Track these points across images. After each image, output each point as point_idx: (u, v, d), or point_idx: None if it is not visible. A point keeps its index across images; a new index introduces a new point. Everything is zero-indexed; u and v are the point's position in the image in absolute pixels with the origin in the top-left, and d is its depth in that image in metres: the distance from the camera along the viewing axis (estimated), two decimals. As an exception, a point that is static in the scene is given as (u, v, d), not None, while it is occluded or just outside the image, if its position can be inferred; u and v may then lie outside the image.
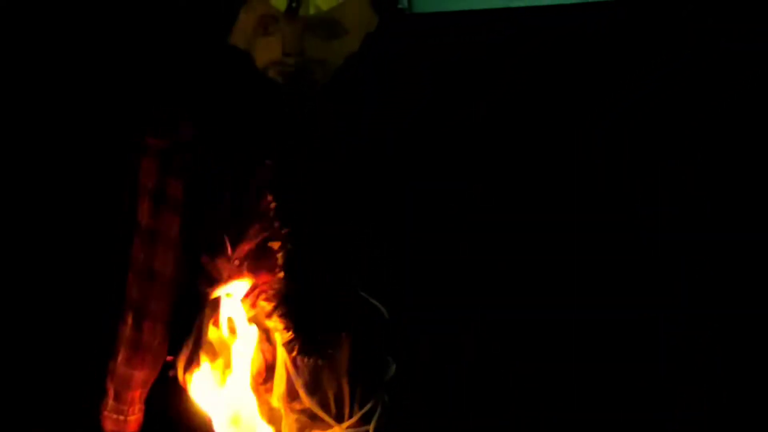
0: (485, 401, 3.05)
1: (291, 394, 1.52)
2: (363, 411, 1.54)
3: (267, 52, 1.48)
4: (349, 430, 1.54)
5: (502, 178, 4.19)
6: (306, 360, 1.49)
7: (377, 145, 1.55)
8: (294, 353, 1.49)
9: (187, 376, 1.64)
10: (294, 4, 1.44)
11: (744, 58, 4.27)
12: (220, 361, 1.56)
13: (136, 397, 1.69)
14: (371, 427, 1.53)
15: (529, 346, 3.25)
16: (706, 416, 2.90)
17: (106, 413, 1.70)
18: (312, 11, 1.46)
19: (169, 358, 1.69)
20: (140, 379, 1.68)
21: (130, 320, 1.66)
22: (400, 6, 1.95)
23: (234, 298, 1.54)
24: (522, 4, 3.17)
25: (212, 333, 1.59)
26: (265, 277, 1.50)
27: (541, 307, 3.59)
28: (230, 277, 1.54)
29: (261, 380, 1.55)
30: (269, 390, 1.55)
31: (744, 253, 3.96)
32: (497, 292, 3.68)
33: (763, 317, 3.34)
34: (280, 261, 1.46)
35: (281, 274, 1.47)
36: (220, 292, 1.54)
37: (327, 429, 1.54)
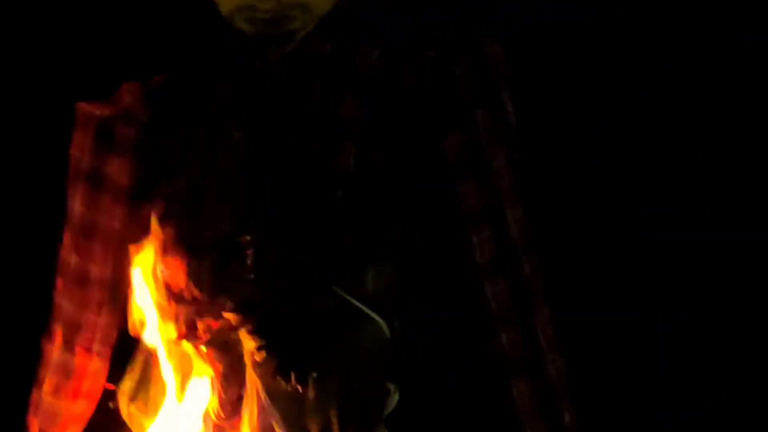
0: (485, 403, 3.06)
1: (255, 427, 1.15)
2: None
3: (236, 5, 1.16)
4: None
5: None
6: (284, 386, 1.13)
7: (377, 144, 1.27)
8: (268, 377, 1.14)
9: (132, 408, 1.26)
10: None
11: (748, 53, 4.29)
12: (173, 389, 1.20)
13: (66, 416, 1.31)
14: None
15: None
16: (706, 416, 2.92)
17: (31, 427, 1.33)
18: None
19: (109, 386, 1.32)
20: (72, 413, 1.31)
21: (59, 339, 1.32)
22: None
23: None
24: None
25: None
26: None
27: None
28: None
29: (223, 416, 1.20)
30: (235, 428, 1.18)
31: (744, 253, 4.03)
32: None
33: (763, 317, 3.39)
34: (249, 261, 1.15)
35: (251, 277, 1.15)
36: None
37: None
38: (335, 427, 1.14)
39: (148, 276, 1.15)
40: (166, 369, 1.18)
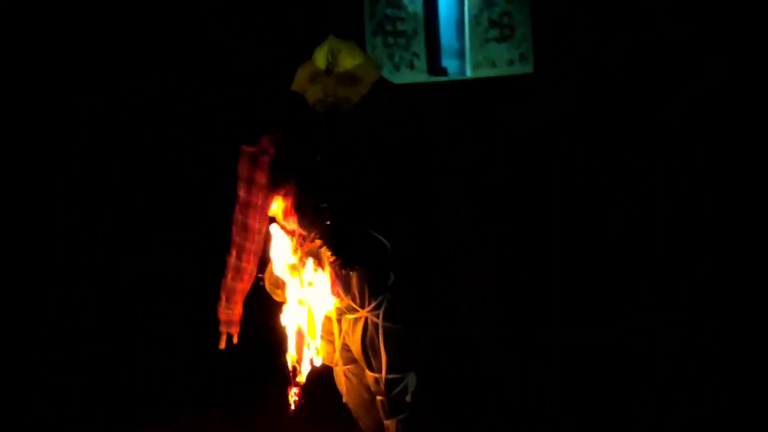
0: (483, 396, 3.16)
1: (332, 291, 2.39)
2: (376, 302, 2.37)
3: (314, 94, 2.37)
4: (369, 313, 2.38)
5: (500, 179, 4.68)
6: (340, 270, 2.34)
7: (384, 152, 2.37)
8: (335, 267, 2.34)
9: (270, 287, 2.51)
10: (330, 66, 2.35)
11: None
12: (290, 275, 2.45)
13: (239, 299, 2.54)
14: (381, 311, 2.37)
15: (530, 349, 3.41)
16: (706, 416, 2.91)
17: (220, 310, 2.55)
18: (340, 69, 2.36)
19: (260, 275, 2.53)
20: (241, 288, 2.52)
21: (234, 254, 2.50)
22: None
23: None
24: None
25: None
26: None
27: (546, 320, 3.73)
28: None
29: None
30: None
31: (744, 253, 4.08)
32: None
33: (763, 317, 3.39)
34: (326, 217, 2.32)
35: (327, 223, 2.32)
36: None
37: (355, 313, 2.41)
38: (365, 290, 2.36)
39: (279, 223, 2.45)
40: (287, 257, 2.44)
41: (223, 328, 2.57)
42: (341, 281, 2.40)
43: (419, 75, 7.51)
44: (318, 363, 2.40)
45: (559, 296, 3.73)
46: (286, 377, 2.36)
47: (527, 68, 7.70)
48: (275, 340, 2.50)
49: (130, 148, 5.54)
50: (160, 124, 5.57)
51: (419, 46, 7.33)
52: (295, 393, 2.34)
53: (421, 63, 7.20)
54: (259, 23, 5.98)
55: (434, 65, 7.51)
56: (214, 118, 5.18)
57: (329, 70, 2.35)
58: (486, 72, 7.47)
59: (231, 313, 2.56)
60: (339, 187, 2.36)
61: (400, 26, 7.28)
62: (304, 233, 2.40)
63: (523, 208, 4.32)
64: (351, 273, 2.37)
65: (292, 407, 2.33)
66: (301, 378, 2.36)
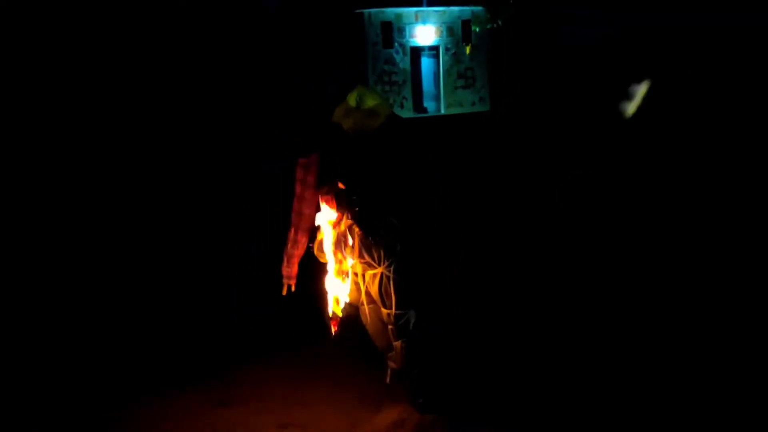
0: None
1: (359, 254, 2.71)
2: (389, 261, 2.69)
3: (348, 124, 2.71)
4: (384, 269, 2.70)
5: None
6: (364, 238, 2.68)
7: (394, 160, 2.71)
8: (359, 235, 2.68)
9: (317, 252, 2.82)
10: (358, 104, 2.69)
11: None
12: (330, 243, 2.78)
13: (296, 261, 2.88)
14: (392, 268, 2.68)
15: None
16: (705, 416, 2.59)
17: (283, 267, 2.89)
18: (365, 106, 2.71)
19: (310, 245, 2.82)
20: (297, 253, 2.87)
21: (293, 231, 2.85)
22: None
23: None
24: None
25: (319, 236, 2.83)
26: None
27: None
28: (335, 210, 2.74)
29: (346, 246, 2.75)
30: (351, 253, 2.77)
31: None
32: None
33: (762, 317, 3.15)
34: (355, 202, 2.66)
35: (356, 208, 2.67)
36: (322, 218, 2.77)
37: (375, 269, 2.72)
38: (381, 251, 2.67)
39: (326, 208, 2.74)
40: (329, 236, 2.76)
41: (285, 281, 2.90)
42: (365, 247, 2.70)
43: (407, 112, 7.72)
44: (347, 300, 2.71)
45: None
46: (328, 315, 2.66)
47: (485, 107, 8.00)
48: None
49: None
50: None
51: (407, 92, 7.60)
52: (333, 323, 2.68)
53: (409, 104, 7.50)
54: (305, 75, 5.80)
55: (418, 105, 7.78)
56: (283, 141, 4.50)
57: (358, 107, 2.69)
58: (455, 110, 7.70)
59: (290, 270, 2.89)
60: (364, 185, 2.68)
61: (394, 78, 7.55)
62: (341, 212, 2.71)
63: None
64: (371, 241, 2.68)
65: (333, 332, 2.67)
66: (338, 311, 2.71)
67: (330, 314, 2.73)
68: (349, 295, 2.77)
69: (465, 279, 2.97)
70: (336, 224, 2.76)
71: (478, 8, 7.52)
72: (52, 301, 3.86)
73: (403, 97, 7.38)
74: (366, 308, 2.89)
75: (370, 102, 2.70)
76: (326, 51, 6.29)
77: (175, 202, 5.11)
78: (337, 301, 2.75)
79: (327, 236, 2.76)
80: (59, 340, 3.46)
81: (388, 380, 2.91)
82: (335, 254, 2.74)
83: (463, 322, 2.99)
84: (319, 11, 6.28)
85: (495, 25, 7.32)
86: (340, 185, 2.70)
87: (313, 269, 2.88)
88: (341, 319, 2.74)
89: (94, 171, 5.33)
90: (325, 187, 2.73)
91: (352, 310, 2.83)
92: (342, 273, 2.77)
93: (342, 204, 2.71)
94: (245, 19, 6.26)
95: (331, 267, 2.74)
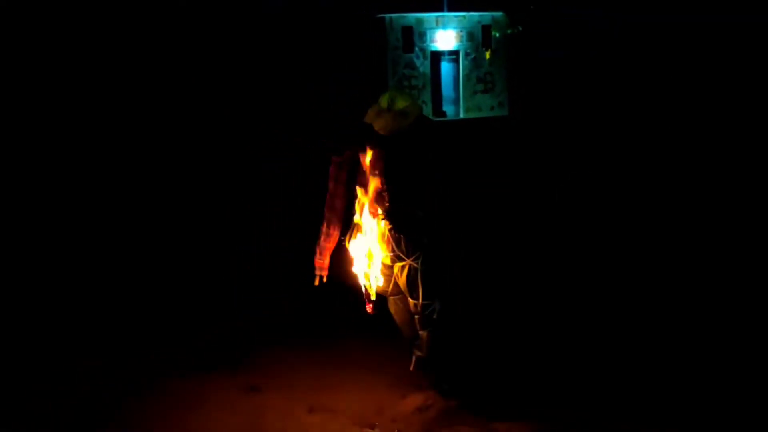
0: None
1: (390, 247, 2.87)
2: (417, 254, 2.84)
3: (379, 123, 2.85)
4: (412, 261, 2.85)
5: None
6: (394, 233, 2.84)
7: (423, 158, 2.85)
8: (389, 231, 2.84)
9: (349, 245, 2.95)
10: (390, 106, 2.82)
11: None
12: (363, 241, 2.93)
13: (328, 253, 3.04)
14: (420, 260, 2.83)
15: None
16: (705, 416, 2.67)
17: (316, 259, 3.04)
18: (396, 108, 2.84)
19: (342, 238, 2.97)
20: (329, 246, 3.03)
21: (325, 224, 3.01)
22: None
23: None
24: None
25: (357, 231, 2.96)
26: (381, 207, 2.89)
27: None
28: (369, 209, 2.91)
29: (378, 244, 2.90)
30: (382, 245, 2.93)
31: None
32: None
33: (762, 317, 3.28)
34: (387, 198, 2.84)
35: (387, 204, 2.84)
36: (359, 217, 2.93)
37: (402, 261, 2.88)
38: (409, 245, 2.84)
39: (361, 203, 2.93)
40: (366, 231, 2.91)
41: (317, 272, 3.04)
42: (394, 240, 2.86)
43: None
44: (377, 287, 2.83)
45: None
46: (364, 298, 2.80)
47: (504, 112, 8.10)
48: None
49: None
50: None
51: (427, 95, 7.71)
52: (369, 305, 2.82)
53: (428, 107, 7.60)
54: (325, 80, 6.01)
55: (438, 109, 7.88)
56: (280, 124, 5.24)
57: (389, 108, 2.83)
58: (474, 114, 7.82)
59: (323, 262, 3.03)
60: (394, 182, 2.84)
61: (414, 81, 7.62)
62: (374, 208, 2.87)
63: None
64: (400, 235, 2.85)
65: (370, 310, 2.81)
66: (373, 294, 2.85)
67: (365, 294, 2.86)
68: (380, 285, 2.93)
69: (465, 279, 3.14)
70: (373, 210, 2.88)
71: (499, 13, 7.66)
72: (56, 300, 3.97)
73: (423, 101, 7.51)
74: (394, 299, 3.05)
75: (401, 104, 2.84)
76: (333, 53, 6.31)
77: (175, 202, 5.18)
78: (370, 285, 2.88)
79: (362, 227, 2.91)
80: (68, 337, 3.55)
81: (413, 368, 3.07)
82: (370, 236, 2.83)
83: (463, 321, 3.14)
84: (330, 14, 6.33)
85: (515, 30, 7.45)
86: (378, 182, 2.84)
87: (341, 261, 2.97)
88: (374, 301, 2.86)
89: (94, 171, 5.39)
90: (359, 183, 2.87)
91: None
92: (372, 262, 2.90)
93: (375, 199, 2.87)
94: (245, 20, 6.32)
95: (365, 254, 2.88)
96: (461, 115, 7.70)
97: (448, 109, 7.79)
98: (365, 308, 2.86)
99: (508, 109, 7.81)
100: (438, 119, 7.37)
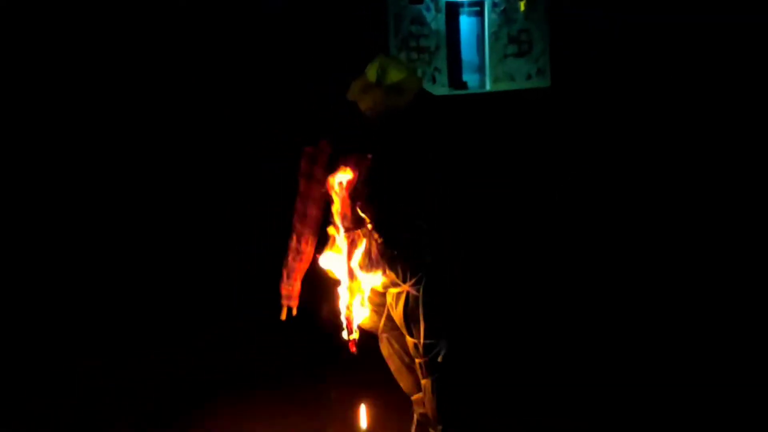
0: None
1: (380, 268, 2.82)
2: (416, 278, 2.82)
3: (366, 103, 2.83)
4: (410, 287, 2.83)
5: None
6: (386, 250, 2.81)
7: (425, 151, 2.86)
8: (381, 247, 2.80)
9: (325, 264, 2.94)
10: (380, 79, 2.80)
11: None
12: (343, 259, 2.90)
13: (299, 276, 3.02)
14: (421, 286, 2.82)
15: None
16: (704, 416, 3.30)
17: (282, 285, 3.03)
18: (388, 82, 2.82)
19: (317, 254, 2.98)
20: (300, 267, 3.01)
21: (294, 238, 2.99)
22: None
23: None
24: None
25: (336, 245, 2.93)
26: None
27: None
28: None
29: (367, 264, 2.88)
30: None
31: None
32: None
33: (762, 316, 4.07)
34: (376, 205, 2.78)
35: (377, 211, 2.80)
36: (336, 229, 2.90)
37: (398, 287, 2.86)
38: (407, 267, 2.81)
39: (336, 212, 2.86)
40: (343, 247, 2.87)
41: (284, 302, 3.02)
42: (387, 259, 2.78)
43: (441, 89, 7.76)
44: (362, 322, 2.84)
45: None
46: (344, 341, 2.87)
47: (545, 82, 8.08)
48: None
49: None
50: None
51: (441, 61, 7.72)
52: (350, 343, 2.81)
53: (443, 77, 7.63)
54: (295, 42, 6.59)
55: (455, 79, 7.90)
56: (280, 124, 6.22)
57: (379, 82, 2.80)
58: (505, 86, 7.81)
59: (291, 288, 2.99)
60: (386, 180, 2.79)
61: (424, 42, 7.67)
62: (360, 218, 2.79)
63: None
64: (394, 252, 2.76)
65: (353, 350, 2.82)
66: (355, 331, 2.82)
67: (346, 328, 2.87)
68: (366, 320, 2.93)
69: (465, 279, 3.22)
70: (349, 224, 2.85)
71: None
72: (56, 300, 4.92)
73: (435, 69, 7.52)
74: (388, 337, 3.04)
75: (395, 76, 2.82)
76: (333, 52, 6.89)
77: (175, 202, 6.34)
78: (349, 322, 2.89)
79: (341, 242, 2.88)
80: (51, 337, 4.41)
81: (414, 431, 3.08)
82: (352, 264, 2.84)
83: (464, 322, 3.28)
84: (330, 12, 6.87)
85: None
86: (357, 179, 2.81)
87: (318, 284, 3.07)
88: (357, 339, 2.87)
89: (94, 171, 6.62)
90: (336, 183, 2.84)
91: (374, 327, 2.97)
92: (356, 288, 2.89)
93: (359, 203, 2.84)
94: (245, 20, 6.94)
95: (347, 278, 2.87)
96: (487, 87, 7.71)
97: (469, 78, 7.81)
98: (347, 347, 2.85)
99: (549, 77, 7.81)
100: (457, 93, 7.42)
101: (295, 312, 3.06)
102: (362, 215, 2.80)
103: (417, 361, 2.95)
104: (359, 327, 2.88)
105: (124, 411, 3.55)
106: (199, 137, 7.24)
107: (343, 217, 2.83)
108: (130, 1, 7.51)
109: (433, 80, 7.53)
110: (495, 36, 7.65)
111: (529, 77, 7.85)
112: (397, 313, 2.90)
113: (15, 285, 5.04)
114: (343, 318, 2.87)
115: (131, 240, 5.82)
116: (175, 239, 5.82)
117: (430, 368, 2.91)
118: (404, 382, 3.08)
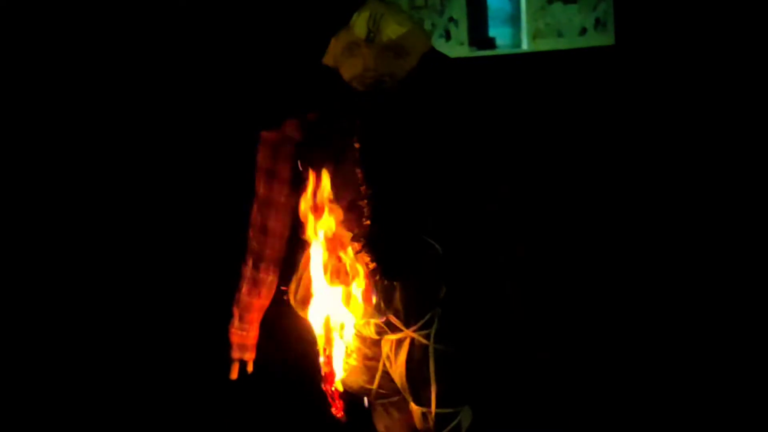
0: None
1: (373, 306, 2.68)
2: (424, 319, 2.70)
3: (352, 68, 2.67)
4: (415, 333, 2.72)
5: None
6: (381, 280, 2.65)
7: (436, 137, 2.71)
8: (376, 278, 2.65)
9: (295, 301, 2.83)
10: (372, 35, 2.66)
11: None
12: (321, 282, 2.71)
13: (255, 318, 2.92)
14: (431, 331, 2.71)
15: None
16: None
17: (233, 330, 2.92)
18: (384, 38, 2.66)
19: (282, 287, 2.87)
20: (257, 305, 2.91)
21: (250, 263, 2.88)
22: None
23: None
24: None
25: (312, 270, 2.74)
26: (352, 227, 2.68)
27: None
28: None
29: (348, 300, 2.69)
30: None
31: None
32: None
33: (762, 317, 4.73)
34: (365, 214, 2.64)
35: (367, 223, 2.64)
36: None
37: (398, 332, 2.74)
38: (412, 305, 2.68)
39: (311, 227, 2.63)
40: (319, 271, 2.65)
41: (235, 354, 2.90)
42: (382, 293, 2.65)
43: (458, 48, 7.69)
44: (346, 381, 2.72)
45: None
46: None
47: (606, 39, 8.01)
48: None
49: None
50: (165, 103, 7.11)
51: (458, 9, 7.62)
52: (335, 406, 2.62)
53: (461, 32, 7.51)
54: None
55: (478, 35, 7.79)
56: (228, 99, 6.63)
57: (370, 39, 2.63)
58: (549, 44, 7.76)
59: (245, 335, 2.89)
60: (381, 180, 2.64)
61: None
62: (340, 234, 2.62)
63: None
64: (394, 284, 2.65)
65: (339, 415, 2.66)
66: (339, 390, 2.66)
67: (326, 389, 2.68)
68: (350, 377, 2.81)
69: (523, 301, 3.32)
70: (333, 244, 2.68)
71: None
72: (56, 300, 5.78)
73: (450, 19, 7.56)
74: (384, 404, 2.98)
75: (393, 29, 2.69)
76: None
77: (175, 202, 6.86)
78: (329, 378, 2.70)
79: (317, 265, 2.69)
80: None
81: None
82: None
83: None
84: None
85: None
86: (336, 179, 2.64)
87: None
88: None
89: (94, 171, 7.27)
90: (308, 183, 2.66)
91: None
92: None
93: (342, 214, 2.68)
94: (245, 20, 7.96)
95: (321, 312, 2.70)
96: (524, 46, 7.72)
97: (498, 33, 7.85)
98: (332, 411, 2.66)
99: (613, 32, 7.82)
100: (480, 53, 7.42)
101: (250, 368, 2.95)
102: (343, 231, 2.66)
103: (426, 438, 2.84)
104: (344, 387, 2.71)
105: (124, 411, 4.35)
106: (199, 137, 7.67)
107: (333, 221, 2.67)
108: (130, 1, 8.50)
109: (447, 36, 7.57)
110: (534, -28, 7.62)
111: (583, 31, 7.77)
112: (398, 370, 2.79)
113: (15, 285, 5.82)
114: (321, 371, 2.64)
115: (131, 240, 6.56)
116: (176, 239, 6.55)
117: (445, 450, 2.80)
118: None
